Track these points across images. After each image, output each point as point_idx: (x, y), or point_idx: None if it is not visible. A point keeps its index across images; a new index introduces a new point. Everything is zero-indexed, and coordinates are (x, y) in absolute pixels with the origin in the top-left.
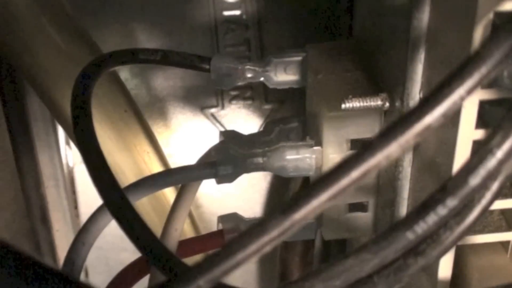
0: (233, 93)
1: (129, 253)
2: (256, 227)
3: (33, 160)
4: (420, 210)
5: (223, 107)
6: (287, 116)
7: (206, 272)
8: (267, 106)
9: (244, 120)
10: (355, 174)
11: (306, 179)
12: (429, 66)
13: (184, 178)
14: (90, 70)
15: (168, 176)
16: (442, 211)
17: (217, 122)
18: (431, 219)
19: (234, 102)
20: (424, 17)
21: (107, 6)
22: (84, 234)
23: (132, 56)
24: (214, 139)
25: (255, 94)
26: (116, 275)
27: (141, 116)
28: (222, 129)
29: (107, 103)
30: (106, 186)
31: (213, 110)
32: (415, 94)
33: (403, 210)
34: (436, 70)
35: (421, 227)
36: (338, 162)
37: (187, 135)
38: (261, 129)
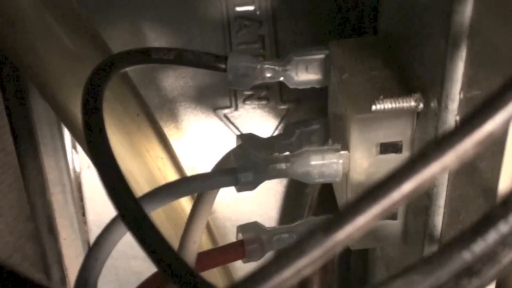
0: (247, 93)
1: (140, 261)
2: (294, 247)
3: (38, 165)
4: (478, 226)
5: (236, 108)
6: (308, 118)
7: None
8: (283, 107)
9: (258, 121)
10: (407, 187)
11: (325, 184)
12: (471, 64)
13: (202, 186)
14: (101, 72)
15: (185, 184)
16: (504, 228)
17: (231, 124)
18: (491, 237)
19: (248, 102)
20: (466, 10)
21: (116, 2)
22: (97, 249)
23: (144, 56)
24: (227, 141)
25: (270, 94)
26: None
27: (154, 119)
28: (236, 131)
29: (119, 106)
30: (120, 196)
31: (226, 111)
32: (455, 94)
33: (438, 219)
34: (480, 68)
35: (479, 246)
36: (387, 174)
37: (199, 137)
38: (277, 130)
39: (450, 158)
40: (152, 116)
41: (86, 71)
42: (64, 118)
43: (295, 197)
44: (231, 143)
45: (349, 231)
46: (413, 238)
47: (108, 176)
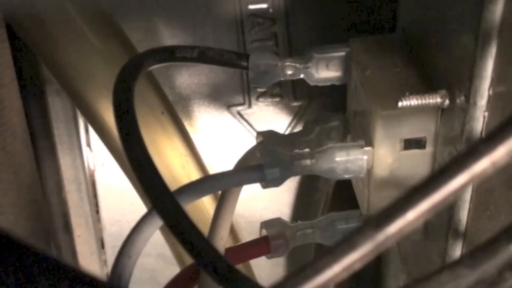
0: (261, 90)
1: (152, 259)
2: (345, 242)
3: (55, 163)
4: None
5: (250, 105)
6: (327, 114)
7: None
8: (296, 103)
9: (272, 118)
10: (456, 182)
11: (339, 181)
12: (501, 60)
13: (229, 184)
14: (130, 70)
15: (212, 182)
16: None
17: (244, 121)
18: None
19: (261, 99)
20: (497, 8)
21: (129, 1)
22: (129, 246)
23: (169, 55)
24: (241, 138)
25: (283, 91)
26: (166, 285)
27: (177, 117)
28: (249, 128)
29: (143, 104)
30: (157, 192)
31: (239, 108)
32: (484, 91)
33: (463, 213)
34: (510, 65)
35: None
36: (437, 169)
37: (213, 134)
38: (290, 127)
39: (500, 153)
40: (176, 114)
41: (113, 69)
42: (89, 115)
43: (308, 194)
44: (245, 140)
45: (400, 226)
46: (436, 233)
47: (143, 173)
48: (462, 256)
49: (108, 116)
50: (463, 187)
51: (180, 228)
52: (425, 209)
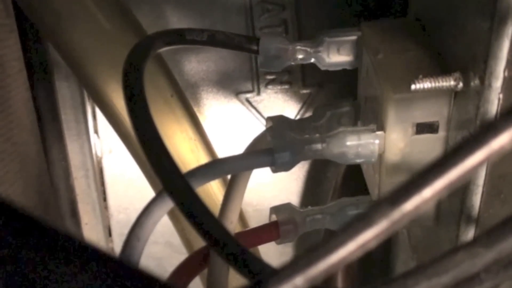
0: (270, 77)
1: (160, 246)
2: (360, 219)
3: (63, 149)
4: None
5: (259, 92)
6: (338, 100)
7: (304, 270)
8: (305, 91)
9: (281, 105)
10: (474, 159)
11: (348, 168)
12: None
13: (239, 167)
14: (139, 52)
15: (223, 165)
16: None
17: (253, 108)
18: None
19: (270, 86)
20: None
21: None
22: (138, 229)
23: (178, 37)
24: (249, 125)
25: (293, 78)
26: (176, 268)
27: (186, 101)
28: (258, 115)
29: (152, 87)
30: (167, 172)
31: (248, 95)
32: (499, 72)
33: (476, 199)
34: None
35: None
36: (455, 145)
37: (221, 121)
38: (299, 115)
39: None
40: (185, 98)
41: (122, 50)
42: (98, 99)
43: (317, 182)
44: (253, 128)
45: (416, 203)
46: (447, 219)
47: (153, 153)
48: (479, 236)
49: (117, 99)
50: (480, 164)
51: (190, 208)
52: (442, 186)
